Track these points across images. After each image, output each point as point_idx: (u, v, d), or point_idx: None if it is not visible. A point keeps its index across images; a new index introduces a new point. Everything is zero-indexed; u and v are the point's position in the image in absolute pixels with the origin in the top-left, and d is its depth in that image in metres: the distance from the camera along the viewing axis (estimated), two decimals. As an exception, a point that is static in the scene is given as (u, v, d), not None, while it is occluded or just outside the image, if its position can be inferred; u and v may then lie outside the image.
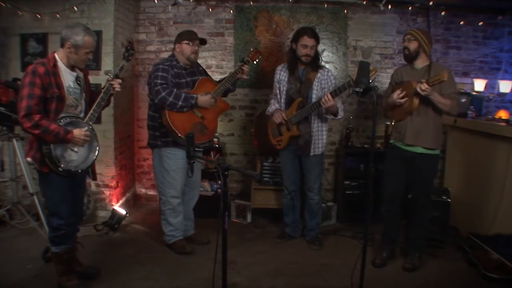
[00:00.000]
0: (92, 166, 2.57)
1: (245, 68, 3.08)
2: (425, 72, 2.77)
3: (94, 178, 2.66)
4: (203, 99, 2.93)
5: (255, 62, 3.28)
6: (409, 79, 2.79)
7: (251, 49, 3.31)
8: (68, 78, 2.35)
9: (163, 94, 2.82)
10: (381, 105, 3.07)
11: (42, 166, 2.30)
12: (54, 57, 2.30)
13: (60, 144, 2.27)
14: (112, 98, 2.71)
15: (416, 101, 2.70)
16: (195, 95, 2.90)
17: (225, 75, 4.24)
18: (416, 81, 2.65)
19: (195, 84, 3.03)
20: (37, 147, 2.29)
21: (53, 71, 2.25)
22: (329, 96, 2.87)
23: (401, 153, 2.90)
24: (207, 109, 2.99)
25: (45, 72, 2.21)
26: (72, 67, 2.38)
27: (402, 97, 2.73)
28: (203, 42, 3.10)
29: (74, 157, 2.35)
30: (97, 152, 2.49)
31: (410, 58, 2.82)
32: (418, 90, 2.58)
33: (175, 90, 2.86)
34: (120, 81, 2.49)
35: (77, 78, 2.40)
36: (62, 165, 2.28)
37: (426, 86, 2.55)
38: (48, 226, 2.45)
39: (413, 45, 2.77)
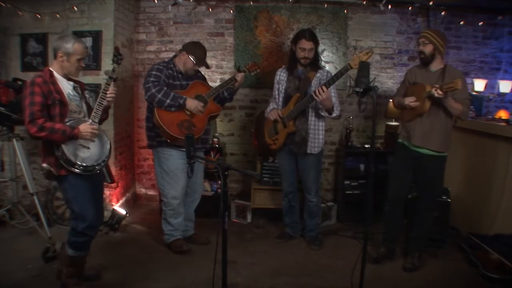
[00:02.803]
0: (108, 168, 2.58)
1: (240, 76, 3.13)
2: (439, 76, 2.75)
3: (112, 181, 2.67)
4: (192, 102, 2.93)
5: (252, 74, 3.35)
6: (423, 81, 2.76)
7: (249, 62, 3.38)
8: (66, 87, 2.40)
9: (153, 90, 2.86)
10: (384, 105, 3.07)
11: (59, 170, 2.31)
12: (49, 70, 2.37)
13: (71, 144, 2.29)
14: (109, 110, 2.74)
15: (427, 104, 2.69)
16: (184, 96, 2.91)
17: (225, 75, 4.32)
18: (430, 85, 2.63)
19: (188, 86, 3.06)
20: (50, 152, 2.31)
21: (51, 80, 2.32)
22: (323, 87, 2.85)
23: (408, 152, 2.90)
24: None
25: (43, 81, 2.27)
26: (68, 78, 2.43)
27: (415, 101, 2.74)
28: (207, 67, 3.18)
29: (87, 153, 2.37)
30: (109, 146, 2.51)
31: (426, 61, 2.79)
32: (434, 93, 2.56)
33: (165, 88, 2.89)
34: (114, 90, 2.53)
35: (74, 88, 2.47)
36: (78, 163, 2.30)
37: (440, 92, 2.54)
38: (71, 229, 2.43)
39: (428, 49, 2.74)
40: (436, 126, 2.76)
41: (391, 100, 3.53)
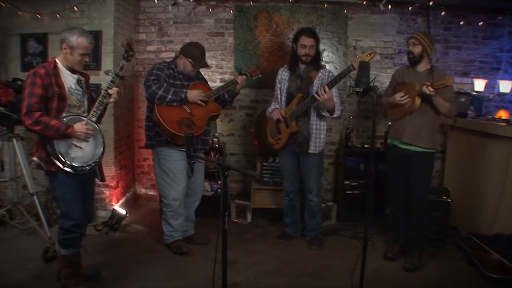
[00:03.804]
0: (100, 167, 2.56)
1: (241, 78, 3.14)
2: (427, 75, 2.84)
3: (103, 179, 2.65)
4: (193, 93, 2.96)
5: (254, 78, 3.35)
6: (411, 81, 2.88)
7: (252, 66, 3.42)
8: (69, 79, 2.38)
9: (153, 88, 2.87)
10: (380, 103, 3.12)
11: (49, 165, 2.30)
12: (54, 61, 2.36)
13: (63, 141, 2.28)
14: (109, 109, 2.72)
15: (418, 101, 2.79)
16: (184, 90, 2.94)
17: (225, 75, 4.32)
18: (419, 84, 2.74)
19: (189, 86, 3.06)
20: (42, 147, 2.31)
21: (54, 72, 2.31)
22: (326, 88, 2.86)
23: (399, 151, 2.96)
24: (197, 107, 3.00)
25: (45, 73, 2.26)
26: (72, 70, 2.41)
27: (404, 98, 2.82)
28: (207, 67, 3.18)
29: (79, 153, 2.35)
30: (103, 147, 2.48)
31: (415, 61, 2.90)
32: (426, 91, 2.65)
33: (165, 84, 2.90)
34: (117, 89, 2.52)
35: (78, 81, 2.44)
36: (68, 162, 2.28)
37: (431, 89, 2.65)
38: (59, 228, 2.44)
39: (417, 49, 2.85)
40: (425, 124, 2.85)
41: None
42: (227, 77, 4.27)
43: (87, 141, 2.38)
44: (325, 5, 4.11)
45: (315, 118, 3.16)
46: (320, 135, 3.18)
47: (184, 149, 2.90)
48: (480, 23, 4.17)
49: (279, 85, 3.29)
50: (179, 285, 2.67)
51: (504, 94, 3.86)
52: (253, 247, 3.33)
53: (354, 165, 4.02)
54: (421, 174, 2.92)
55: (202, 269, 2.84)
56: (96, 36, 3.68)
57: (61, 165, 2.28)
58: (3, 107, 3.09)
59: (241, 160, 4.45)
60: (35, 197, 3.14)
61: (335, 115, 3.12)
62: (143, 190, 4.54)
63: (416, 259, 2.95)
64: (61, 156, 2.27)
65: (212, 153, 4.05)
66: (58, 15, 3.72)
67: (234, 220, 3.99)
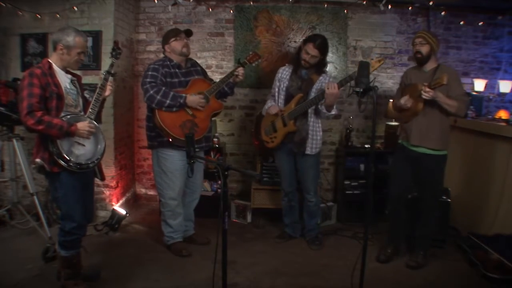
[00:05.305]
0: (99, 166, 2.57)
1: (240, 70, 3.07)
2: (431, 75, 2.80)
3: (103, 178, 2.65)
4: (192, 98, 2.89)
5: (253, 64, 3.27)
6: (417, 81, 2.82)
7: (250, 52, 3.32)
8: (64, 79, 2.39)
9: (151, 92, 2.82)
10: (384, 105, 3.11)
11: (52, 166, 2.29)
12: (48, 61, 2.36)
13: (66, 140, 2.28)
14: (111, 98, 2.74)
15: (420, 104, 2.75)
16: (183, 95, 2.87)
17: (225, 76, 4.31)
18: (421, 84, 2.70)
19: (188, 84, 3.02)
20: (44, 147, 2.30)
21: (49, 72, 2.30)
22: (335, 85, 2.83)
23: (408, 152, 2.94)
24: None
25: (41, 73, 2.26)
26: (66, 70, 2.42)
27: (408, 99, 2.80)
28: (188, 33, 3.09)
29: (82, 151, 2.36)
30: (104, 143, 2.49)
31: (422, 61, 2.85)
32: (422, 93, 2.63)
33: (163, 88, 2.85)
34: (110, 84, 2.55)
35: (72, 81, 2.45)
36: (72, 160, 2.28)
37: (428, 89, 2.61)
38: (59, 229, 2.43)
39: (425, 49, 2.79)
40: (433, 125, 2.80)
41: (391, 100, 3.55)
42: (227, 77, 4.27)
43: (89, 138, 2.39)
44: (325, 5, 4.11)
45: (312, 119, 3.14)
46: (316, 136, 3.17)
47: (185, 149, 2.89)
48: (480, 23, 4.17)
49: (278, 83, 3.26)
50: (179, 285, 2.67)
51: (504, 94, 3.86)
52: (253, 247, 3.33)
53: (354, 165, 4.03)
54: (430, 177, 2.90)
55: (202, 269, 2.84)
56: (96, 36, 3.71)
57: (65, 164, 2.27)
58: (3, 107, 3.09)
59: (241, 160, 4.45)
60: (35, 197, 3.14)
61: (332, 112, 3.07)
62: (143, 190, 4.54)
63: (421, 258, 2.95)
64: (66, 155, 2.26)
65: (212, 153, 4.05)
66: (58, 15, 3.73)
67: (234, 220, 3.99)
